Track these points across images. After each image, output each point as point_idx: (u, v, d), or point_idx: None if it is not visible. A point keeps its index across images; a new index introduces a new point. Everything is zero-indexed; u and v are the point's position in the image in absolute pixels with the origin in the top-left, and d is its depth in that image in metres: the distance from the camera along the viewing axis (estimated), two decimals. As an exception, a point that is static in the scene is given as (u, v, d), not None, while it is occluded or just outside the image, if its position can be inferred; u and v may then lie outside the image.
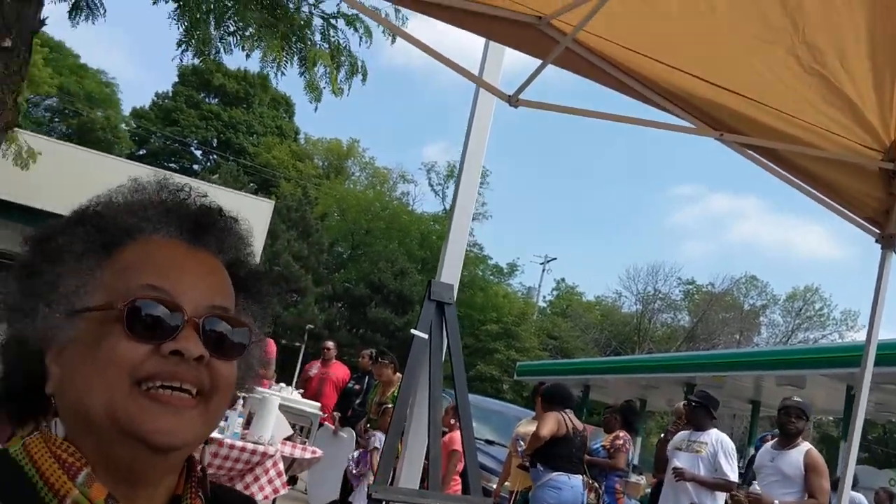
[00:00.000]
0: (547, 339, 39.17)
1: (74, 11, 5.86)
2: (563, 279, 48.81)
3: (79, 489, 0.79)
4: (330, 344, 10.39)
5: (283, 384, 8.18)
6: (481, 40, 4.20)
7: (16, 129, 10.24)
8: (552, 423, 6.69)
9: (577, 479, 6.75)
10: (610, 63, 2.55)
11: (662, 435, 8.83)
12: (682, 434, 6.92)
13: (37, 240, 0.88)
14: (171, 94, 46.32)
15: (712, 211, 67.27)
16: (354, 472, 7.18)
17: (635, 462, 13.47)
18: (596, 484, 7.00)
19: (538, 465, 6.76)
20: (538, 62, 2.85)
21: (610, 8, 2.36)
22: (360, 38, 5.87)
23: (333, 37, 5.73)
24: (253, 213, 15.32)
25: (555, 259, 47.77)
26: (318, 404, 8.45)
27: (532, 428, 7.86)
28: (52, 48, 31.96)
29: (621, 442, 7.56)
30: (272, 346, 8.80)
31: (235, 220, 0.96)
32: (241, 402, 5.77)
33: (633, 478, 8.50)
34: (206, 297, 0.86)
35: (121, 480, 0.83)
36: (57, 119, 41.97)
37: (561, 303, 46.65)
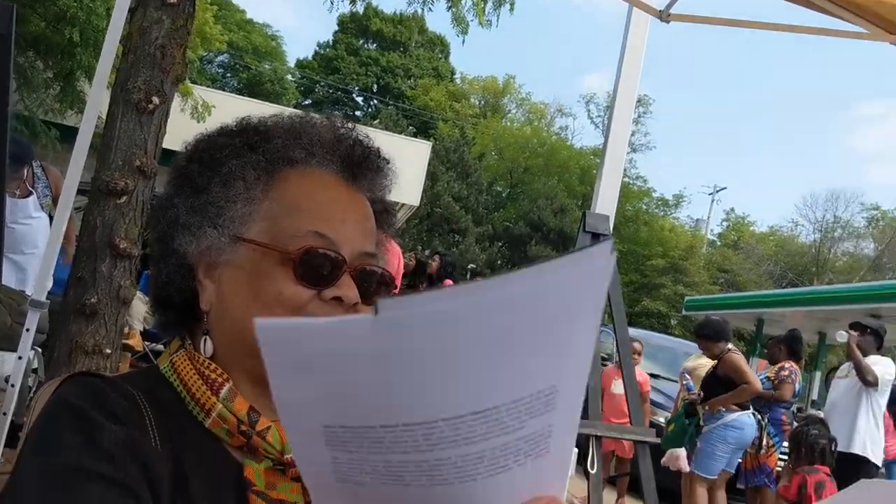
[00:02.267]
0: (717, 273, 37.62)
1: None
2: (732, 209, 46.55)
3: (222, 403, 0.84)
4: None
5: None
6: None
7: (191, 83, 10.94)
8: (748, 367, 6.59)
9: (753, 417, 6.67)
10: (768, -35, 2.34)
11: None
12: (845, 365, 6.91)
13: (207, 162, 0.91)
14: (331, 43, 47.70)
15: (902, 130, 61.65)
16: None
17: (814, 397, 12.77)
18: (760, 416, 6.78)
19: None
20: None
21: None
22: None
23: (479, -32, 5.63)
24: (412, 156, 15.63)
25: (724, 189, 45.62)
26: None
27: (701, 362, 7.64)
28: (221, 6, 33.60)
29: (787, 373, 7.20)
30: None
31: (388, 161, 1.00)
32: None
33: (814, 412, 8.10)
34: (360, 244, 0.91)
35: (268, 395, 0.88)
36: (229, 74, 44.38)
37: (731, 234, 44.56)
